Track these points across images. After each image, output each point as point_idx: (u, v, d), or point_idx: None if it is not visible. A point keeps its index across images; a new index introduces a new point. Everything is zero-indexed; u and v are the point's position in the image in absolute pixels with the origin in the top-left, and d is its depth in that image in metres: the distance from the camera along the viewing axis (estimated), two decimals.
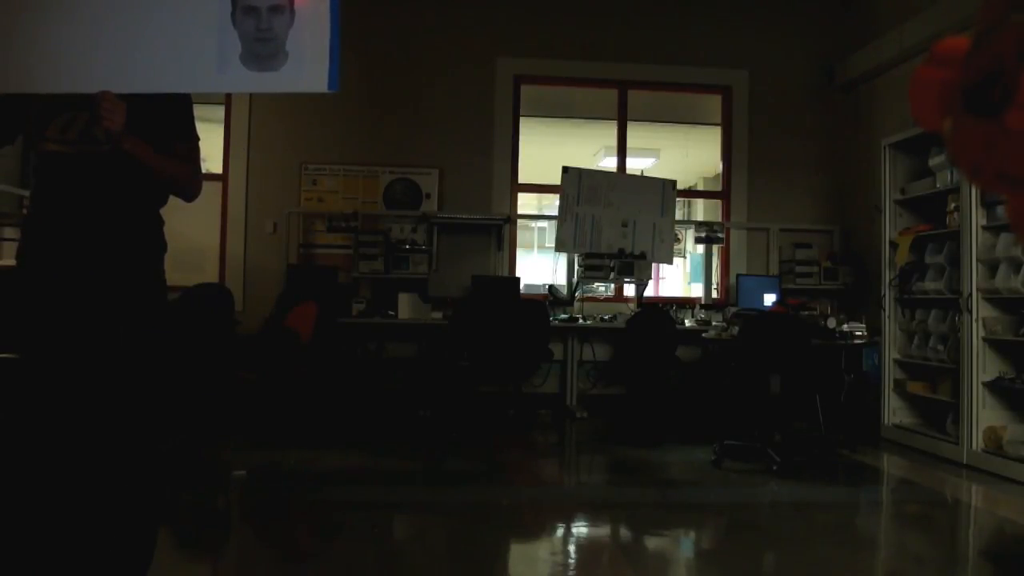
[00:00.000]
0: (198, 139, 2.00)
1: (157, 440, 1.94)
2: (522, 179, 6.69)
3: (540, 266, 8.83)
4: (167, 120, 1.89)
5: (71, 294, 1.79)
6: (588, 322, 6.21)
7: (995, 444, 4.21)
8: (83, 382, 1.77)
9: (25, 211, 1.92)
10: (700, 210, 9.23)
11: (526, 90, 6.70)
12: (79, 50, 1.75)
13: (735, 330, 4.69)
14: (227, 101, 6.44)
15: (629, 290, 6.57)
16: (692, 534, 3.44)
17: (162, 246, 1.96)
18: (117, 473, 1.80)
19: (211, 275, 6.26)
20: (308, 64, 1.78)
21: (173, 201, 2.02)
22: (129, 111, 1.73)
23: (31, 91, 1.76)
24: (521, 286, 6.32)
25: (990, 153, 0.52)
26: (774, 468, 4.16)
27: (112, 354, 1.79)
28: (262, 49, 1.77)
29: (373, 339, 6.09)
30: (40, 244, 1.83)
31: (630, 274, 6.10)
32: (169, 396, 5.02)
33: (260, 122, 6.42)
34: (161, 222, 1.98)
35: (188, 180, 1.95)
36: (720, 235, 6.66)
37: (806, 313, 5.31)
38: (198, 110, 2.02)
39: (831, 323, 5.04)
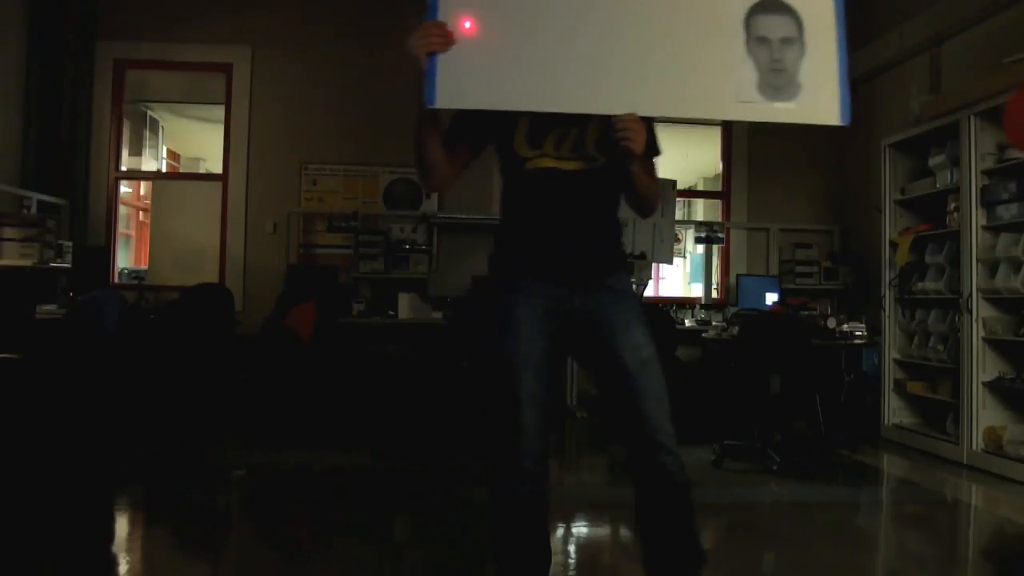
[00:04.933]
0: (659, 154, 2.04)
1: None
2: None
3: None
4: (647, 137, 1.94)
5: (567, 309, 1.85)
6: None
7: (995, 444, 4.21)
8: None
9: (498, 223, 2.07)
10: (700, 210, 9.24)
11: None
12: (616, 74, 1.82)
13: (735, 330, 4.69)
14: (227, 101, 6.45)
15: None
16: None
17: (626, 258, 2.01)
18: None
19: (211, 275, 6.25)
20: (821, 95, 1.81)
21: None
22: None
23: (563, 111, 1.82)
24: None
25: None
26: (774, 468, 4.16)
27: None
28: (776, 80, 1.81)
29: (373, 339, 6.09)
30: (531, 255, 1.90)
31: (630, 274, 6.10)
32: (169, 396, 5.02)
33: (260, 122, 6.41)
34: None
35: (658, 196, 2.02)
36: (720, 235, 6.66)
37: (806, 313, 5.31)
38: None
39: (831, 323, 5.04)
